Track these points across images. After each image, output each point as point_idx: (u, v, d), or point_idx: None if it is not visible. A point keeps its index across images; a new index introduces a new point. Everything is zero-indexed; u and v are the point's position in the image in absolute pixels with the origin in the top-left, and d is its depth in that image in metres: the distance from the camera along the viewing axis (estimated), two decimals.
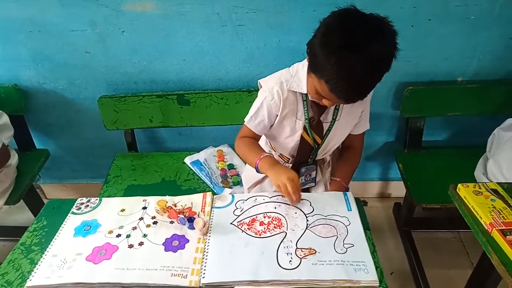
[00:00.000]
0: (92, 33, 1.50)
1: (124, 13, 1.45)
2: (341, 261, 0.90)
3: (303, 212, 1.05)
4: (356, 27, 0.85)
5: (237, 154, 1.66)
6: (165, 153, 1.76)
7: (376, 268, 0.89)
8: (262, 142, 1.33)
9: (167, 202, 1.07)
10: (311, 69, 0.96)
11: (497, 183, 1.01)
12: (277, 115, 1.15)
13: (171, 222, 1.04)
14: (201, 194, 1.13)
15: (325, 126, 1.15)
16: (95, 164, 1.97)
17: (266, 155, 1.11)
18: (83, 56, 1.57)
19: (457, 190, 1.00)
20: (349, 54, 0.84)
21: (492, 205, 0.93)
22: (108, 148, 1.85)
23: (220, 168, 1.64)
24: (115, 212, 1.08)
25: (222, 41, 1.51)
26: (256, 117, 1.16)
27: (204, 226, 0.99)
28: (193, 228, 1.00)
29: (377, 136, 1.82)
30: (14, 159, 1.58)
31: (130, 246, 0.97)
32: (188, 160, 1.67)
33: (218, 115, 1.65)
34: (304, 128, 1.15)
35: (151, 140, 1.89)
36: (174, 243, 0.97)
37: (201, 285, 0.87)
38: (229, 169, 1.64)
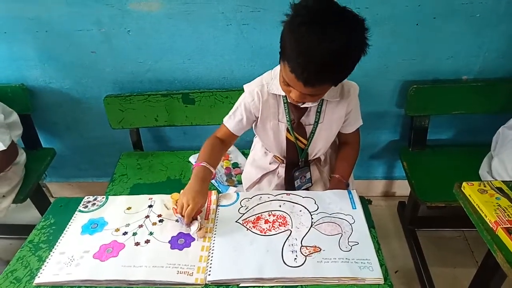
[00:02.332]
0: (98, 33, 1.51)
1: (129, 12, 1.46)
2: (346, 258, 0.91)
3: (308, 210, 1.05)
4: (319, 7, 0.86)
5: None
6: (170, 152, 1.77)
7: (381, 265, 0.90)
8: (259, 144, 1.34)
9: None
10: (280, 56, 0.95)
11: (502, 181, 1.01)
12: (257, 117, 1.16)
13: (177, 221, 1.04)
14: None
15: (309, 129, 1.16)
16: (100, 163, 1.99)
17: (201, 165, 1.08)
18: (89, 55, 1.58)
19: (461, 188, 1.00)
20: (307, 29, 0.84)
21: (497, 203, 0.93)
22: (113, 147, 1.86)
23: (224, 167, 1.65)
24: (121, 210, 1.09)
25: (227, 40, 1.52)
26: (234, 116, 1.18)
27: (199, 229, 0.99)
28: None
29: (382, 134, 1.82)
30: (22, 157, 1.60)
31: (137, 244, 0.98)
32: (193, 159, 1.68)
33: (223, 114, 1.62)
34: (288, 130, 1.15)
35: (156, 139, 1.90)
36: (180, 241, 0.98)
37: (206, 282, 0.88)
38: (233, 168, 1.64)
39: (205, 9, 1.44)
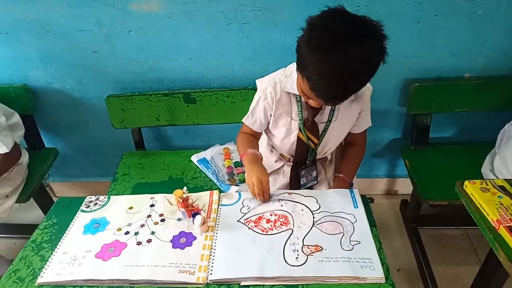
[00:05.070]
0: (99, 33, 1.52)
1: (130, 12, 1.46)
2: (348, 258, 0.91)
3: (310, 209, 1.06)
4: (338, 27, 0.84)
5: None
6: (172, 151, 1.77)
7: (382, 264, 0.90)
8: (264, 142, 1.34)
9: (184, 192, 1.07)
10: (297, 67, 0.96)
11: (504, 179, 1.00)
12: (270, 115, 1.17)
13: (179, 220, 1.05)
14: (208, 192, 1.14)
15: (321, 127, 1.16)
16: (103, 163, 1.99)
17: (251, 152, 1.15)
18: (91, 55, 1.58)
19: (464, 187, 1.00)
20: (328, 53, 0.83)
21: (499, 201, 0.93)
22: (115, 147, 1.87)
23: (226, 166, 1.65)
24: (123, 210, 1.10)
25: (227, 40, 1.52)
26: (252, 115, 1.21)
27: (203, 223, 1.00)
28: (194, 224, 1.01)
29: (384, 133, 1.82)
30: (25, 157, 1.61)
31: (139, 243, 0.99)
32: (194, 158, 1.68)
33: (224, 113, 1.66)
34: (300, 129, 1.15)
35: (158, 139, 1.90)
36: (182, 240, 0.99)
37: (208, 281, 0.89)
38: (235, 167, 1.65)
39: (205, 8, 1.44)
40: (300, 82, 0.97)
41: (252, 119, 1.21)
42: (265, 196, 1.08)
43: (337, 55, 0.83)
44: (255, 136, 1.27)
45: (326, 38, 0.84)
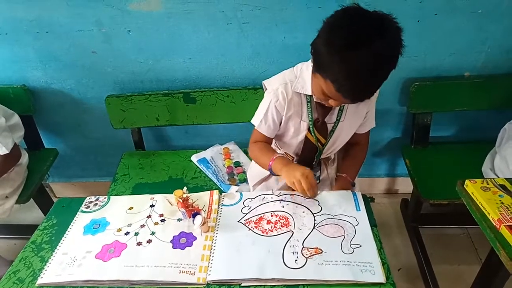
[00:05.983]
0: (99, 33, 1.51)
1: (129, 12, 1.46)
2: (348, 261, 0.90)
3: (311, 211, 1.05)
4: (358, 25, 0.84)
5: (252, 159, 1.65)
6: (172, 151, 1.76)
7: (383, 264, 0.89)
8: None
9: (184, 193, 1.06)
10: (316, 69, 0.96)
11: (505, 178, 1.00)
12: (282, 116, 1.15)
13: (179, 220, 1.05)
14: (208, 192, 1.14)
15: (329, 127, 1.15)
16: (103, 163, 1.99)
17: (279, 155, 1.12)
18: (90, 56, 1.58)
19: (464, 186, 1.00)
20: (351, 53, 0.83)
21: (500, 201, 0.92)
22: (115, 147, 1.86)
23: (226, 166, 1.65)
24: (123, 210, 1.09)
25: (227, 39, 1.52)
26: (265, 120, 1.16)
27: (203, 224, 0.99)
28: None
29: (384, 132, 1.82)
30: (24, 158, 1.61)
31: (139, 243, 0.98)
32: (194, 158, 1.68)
33: (224, 113, 1.66)
34: (308, 129, 1.15)
35: (158, 139, 1.90)
36: (182, 241, 0.98)
37: (208, 281, 0.88)
38: (235, 167, 1.64)
39: (205, 8, 1.44)
40: (321, 85, 0.95)
41: (266, 125, 1.17)
42: (314, 190, 1.05)
43: (361, 53, 0.83)
44: (268, 142, 1.24)
45: (346, 37, 0.84)
